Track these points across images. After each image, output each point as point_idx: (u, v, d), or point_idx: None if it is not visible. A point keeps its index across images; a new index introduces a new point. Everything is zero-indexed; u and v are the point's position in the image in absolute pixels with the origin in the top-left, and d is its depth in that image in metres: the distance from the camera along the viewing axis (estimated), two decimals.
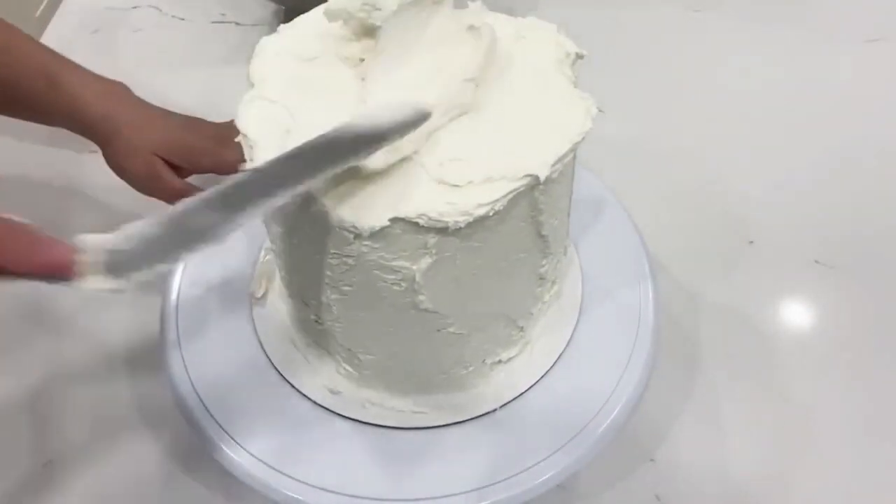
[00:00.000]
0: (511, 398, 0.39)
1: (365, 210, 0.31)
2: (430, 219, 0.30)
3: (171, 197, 0.45)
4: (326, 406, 0.39)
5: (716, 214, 0.56)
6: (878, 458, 0.44)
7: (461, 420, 0.39)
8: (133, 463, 0.44)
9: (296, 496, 0.36)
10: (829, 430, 0.45)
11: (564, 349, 0.41)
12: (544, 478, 0.36)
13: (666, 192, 0.57)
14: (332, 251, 0.33)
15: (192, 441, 0.39)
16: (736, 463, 0.44)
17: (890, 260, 0.53)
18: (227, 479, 0.38)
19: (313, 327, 0.40)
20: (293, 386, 0.40)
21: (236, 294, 0.43)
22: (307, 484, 0.37)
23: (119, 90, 0.48)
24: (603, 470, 0.43)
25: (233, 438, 0.38)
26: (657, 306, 0.43)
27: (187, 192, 0.29)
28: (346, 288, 0.34)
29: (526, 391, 0.40)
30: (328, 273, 0.34)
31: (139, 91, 0.49)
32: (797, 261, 0.53)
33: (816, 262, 0.53)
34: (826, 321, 0.50)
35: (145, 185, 0.47)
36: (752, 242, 0.54)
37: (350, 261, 0.32)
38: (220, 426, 0.38)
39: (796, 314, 0.51)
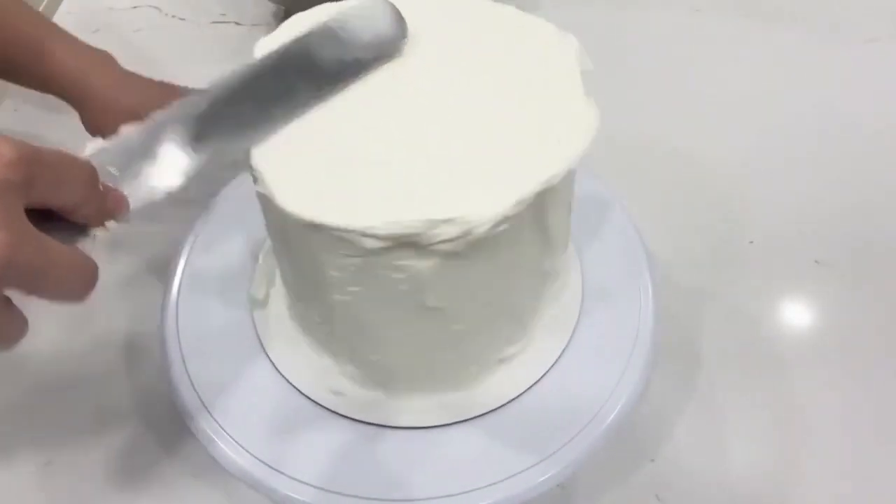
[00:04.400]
0: (512, 397, 0.39)
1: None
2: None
3: None
4: (327, 406, 0.39)
5: (716, 214, 0.56)
6: (879, 458, 0.44)
7: (462, 419, 0.39)
8: (133, 463, 0.44)
9: (295, 496, 0.36)
10: (829, 430, 0.45)
11: (564, 349, 0.41)
12: (544, 478, 0.36)
13: (666, 191, 0.57)
14: (341, 253, 0.32)
15: (192, 441, 0.39)
16: (736, 463, 0.44)
17: (890, 260, 0.53)
18: (227, 478, 0.38)
19: (316, 328, 0.40)
20: (294, 386, 0.40)
21: (237, 293, 0.43)
22: (307, 484, 0.37)
23: (101, 57, 0.49)
24: (603, 470, 0.43)
25: (233, 438, 0.38)
26: (657, 306, 0.42)
27: None
28: (352, 289, 0.34)
29: (526, 390, 0.40)
30: (333, 274, 0.34)
31: None
32: (797, 261, 0.53)
33: (816, 262, 0.53)
34: (826, 321, 0.50)
35: None
36: (752, 242, 0.54)
37: (358, 262, 0.32)
38: (220, 426, 0.38)
39: (796, 314, 0.51)
